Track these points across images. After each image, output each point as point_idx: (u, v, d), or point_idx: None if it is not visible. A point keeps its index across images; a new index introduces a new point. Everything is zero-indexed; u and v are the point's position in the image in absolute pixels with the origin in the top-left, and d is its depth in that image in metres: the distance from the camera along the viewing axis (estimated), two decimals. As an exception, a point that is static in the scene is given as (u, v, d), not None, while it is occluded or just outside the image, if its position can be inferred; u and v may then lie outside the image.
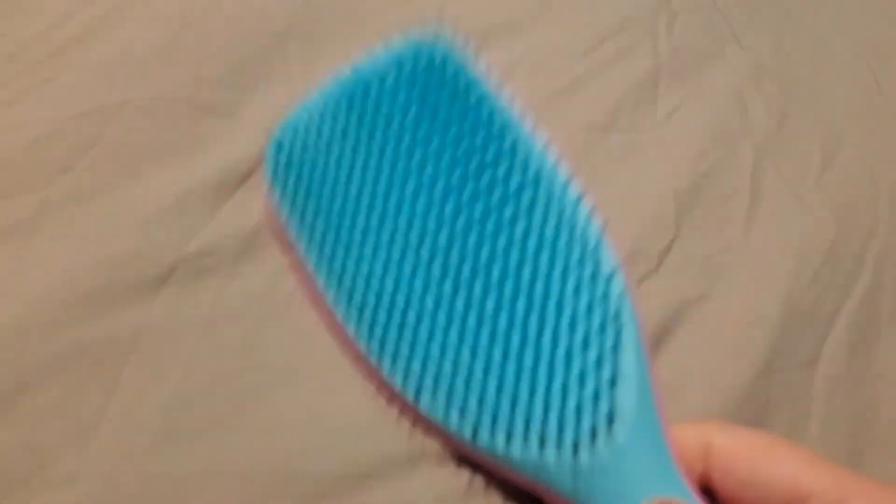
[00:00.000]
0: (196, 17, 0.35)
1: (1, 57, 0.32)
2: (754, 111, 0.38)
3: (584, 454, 0.21)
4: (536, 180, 0.25)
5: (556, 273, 0.24)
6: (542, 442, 0.22)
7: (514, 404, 0.22)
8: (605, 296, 0.23)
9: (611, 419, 0.22)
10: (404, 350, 0.24)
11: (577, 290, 0.23)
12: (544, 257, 0.24)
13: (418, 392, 0.24)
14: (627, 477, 0.21)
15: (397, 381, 0.24)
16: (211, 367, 0.27)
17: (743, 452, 0.21)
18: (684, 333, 0.30)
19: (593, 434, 0.22)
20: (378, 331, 0.24)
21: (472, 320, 0.23)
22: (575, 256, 0.24)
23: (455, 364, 0.23)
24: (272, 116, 0.32)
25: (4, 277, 0.27)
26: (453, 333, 0.23)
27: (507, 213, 0.24)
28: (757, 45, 0.41)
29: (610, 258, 0.24)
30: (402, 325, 0.24)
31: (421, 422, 0.24)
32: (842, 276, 0.32)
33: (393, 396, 0.25)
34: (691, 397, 0.29)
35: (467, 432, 0.23)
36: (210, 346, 0.27)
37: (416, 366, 0.24)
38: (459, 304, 0.24)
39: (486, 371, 0.23)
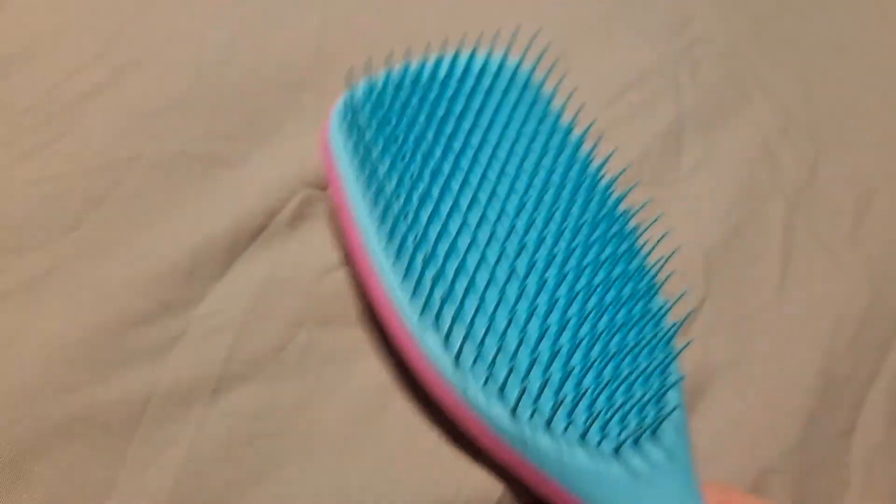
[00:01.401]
0: (210, 69, 0.35)
1: (15, 111, 0.32)
2: (783, 164, 0.37)
3: (624, 461, 0.22)
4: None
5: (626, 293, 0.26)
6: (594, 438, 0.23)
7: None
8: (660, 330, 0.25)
9: (653, 433, 0.23)
10: (473, 325, 0.24)
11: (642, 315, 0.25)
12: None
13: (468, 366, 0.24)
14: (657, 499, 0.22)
15: (442, 356, 0.24)
16: (221, 433, 0.26)
17: None
18: (716, 400, 0.29)
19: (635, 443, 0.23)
20: (436, 296, 0.24)
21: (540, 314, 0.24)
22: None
23: (519, 342, 0.24)
24: (286, 168, 0.31)
25: (14, 336, 0.26)
26: (521, 314, 0.24)
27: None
28: (784, 95, 0.40)
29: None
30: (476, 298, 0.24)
31: (455, 406, 0.24)
32: (878, 339, 0.31)
33: (431, 375, 0.24)
34: (725, 467, 0.28)
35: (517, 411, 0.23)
36: (220, 410, 0.26)
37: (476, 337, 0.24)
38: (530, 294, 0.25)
39: (542, 351, 0.24)
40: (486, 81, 0.30)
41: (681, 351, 0.25)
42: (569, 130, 0.29)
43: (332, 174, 0.29)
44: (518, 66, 0.31)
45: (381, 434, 0.26)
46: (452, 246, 0.25)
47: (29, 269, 0.28)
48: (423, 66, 0.29)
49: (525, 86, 0.30)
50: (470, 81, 0.30)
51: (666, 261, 0.27)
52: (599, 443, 0.23)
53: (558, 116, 0.30)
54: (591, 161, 0.29)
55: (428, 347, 0.24)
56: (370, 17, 0.40)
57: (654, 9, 0.45)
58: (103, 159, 0.31)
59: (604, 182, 0.29)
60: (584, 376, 0.23)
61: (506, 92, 0.30)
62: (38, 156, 0.31)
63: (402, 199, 0.26)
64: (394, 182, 0.26)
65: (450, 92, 0.29)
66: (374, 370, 0.28)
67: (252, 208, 0.30)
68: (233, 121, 0.34)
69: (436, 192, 0.27)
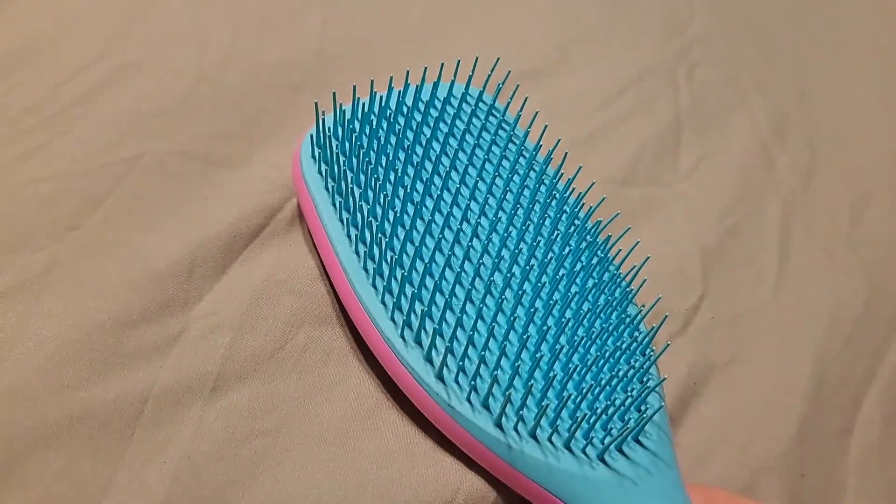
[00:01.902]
0: (211, 71, 0.35)
1: (16, 111, 0.32)
2: (780, 165, 0.37)
3: (609, 465, 0.23)
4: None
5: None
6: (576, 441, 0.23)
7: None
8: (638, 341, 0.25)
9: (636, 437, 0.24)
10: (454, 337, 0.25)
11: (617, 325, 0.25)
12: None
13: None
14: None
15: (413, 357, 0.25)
16: (220, 431, 0.26)
17: None
18: (712, 398, 0.29)
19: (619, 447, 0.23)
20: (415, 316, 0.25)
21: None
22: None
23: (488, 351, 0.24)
24: (286, 168, 0.31)
25: (12, 335, 0.26)
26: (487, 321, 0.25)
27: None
28: (780, 97, 0.40)
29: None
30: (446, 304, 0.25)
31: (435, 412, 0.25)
32: (875, 340, 0.31)
33: (414, 389, 0.25)
34: (719, 466, 0.28)
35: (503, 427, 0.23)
36: (219, 409, 0.26)
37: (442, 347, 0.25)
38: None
39: (521, 361, 0.24)
40: (451, 109, 0.31)
41: (659, 355, 0.25)
42: (535, 151, 0.30)
43: (305, 201, 0.29)
44: (481, 93, 0.31)
45: (378, 433, 0.26)
46: (429, 265, 0.26)
47: (28, 268, 0.28)
48: (389, 96, 0.30)
49: (489, 111, 0.31)
50: (435, 110, 0.30)
51: (638, 269, 0.27)
52: (584, 448, 0.23)
53: (523, 138, 0.30)
54: (558, 178, 0.29)
55: (410, 363, 0.25)
56: (370, 19, 0.40)
57: (653, 10, 0.45)
58: (103, 159, 0.31)
59: (573, 197, 0.29)
60: (566, 385, 0.24)
61: (471, 117, 0.31)
62: (39, 155, 0.31)
63: (375, 224, 0.26)
64: (366, 207, 0.27)
65: (416, 121, 0.30)
66: (372, 370, 0.28)
67: (251, 208, 0.31)
68: (233, 121, 0.34)
69: (408, 215, 0.27)
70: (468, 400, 0.24)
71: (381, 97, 0.29)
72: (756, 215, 0.35)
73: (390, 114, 0.29)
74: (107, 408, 0.26)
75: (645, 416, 0.23)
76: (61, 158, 0.31)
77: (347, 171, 0.28)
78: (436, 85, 0.31)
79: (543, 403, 0.23)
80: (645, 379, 0.25)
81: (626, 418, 0.24)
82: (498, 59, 0.32)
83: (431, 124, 0.30)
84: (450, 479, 0.25)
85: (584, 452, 0.23)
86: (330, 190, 0.28)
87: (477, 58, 0.31)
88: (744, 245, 0.33)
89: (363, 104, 0.29)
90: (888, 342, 0.31)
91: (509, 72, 0.32)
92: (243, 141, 0.33)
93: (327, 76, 0.37)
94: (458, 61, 0.31)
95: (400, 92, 0.29)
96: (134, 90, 0.34)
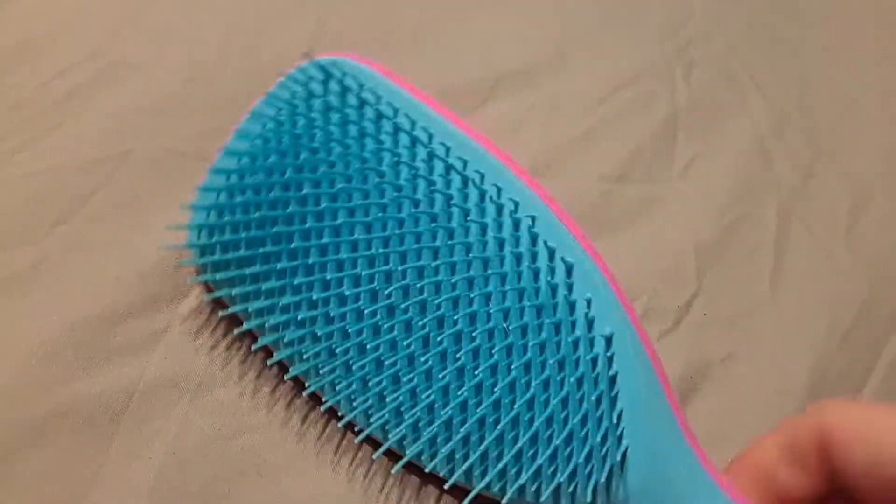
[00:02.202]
0: (204, 68, 0.35)
1: (6, 106, 0.32)
2: (779, 163, 0.36)
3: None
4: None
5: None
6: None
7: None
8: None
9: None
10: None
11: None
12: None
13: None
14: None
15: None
16: (206, 427, 0.26)
17: (861, 434, 0.18)
18: (706, 397, 0.29)
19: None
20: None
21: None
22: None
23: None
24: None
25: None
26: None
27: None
28: (779, 96, 0.40)
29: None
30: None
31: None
32: (872, 339, 0.31)
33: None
34: (717, 465, 0.27)
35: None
36: (205, 405, 0.26)
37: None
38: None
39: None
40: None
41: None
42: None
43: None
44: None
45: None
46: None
47: (15, 263, 0.28)
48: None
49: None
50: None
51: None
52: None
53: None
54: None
55: None
56: (365, 18, 0.40)
57: (651, 9, 0.44)
58: (93, 155, 0.31)
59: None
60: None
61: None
62: (27, 151, 0.30)
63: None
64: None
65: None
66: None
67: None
68: (225, 119, 0.33)
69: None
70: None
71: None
72: (754, 214, 0.34)
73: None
74: (92, 403, 0.26)
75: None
76: (50, 154, 0.31)
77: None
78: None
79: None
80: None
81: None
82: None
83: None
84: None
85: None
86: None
87: None
88: (741, 243, 0.33)
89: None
90: (886, 340, 0.31)
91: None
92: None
93: (321, 74, 0.37)
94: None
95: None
96: (126, 87, 0.33)
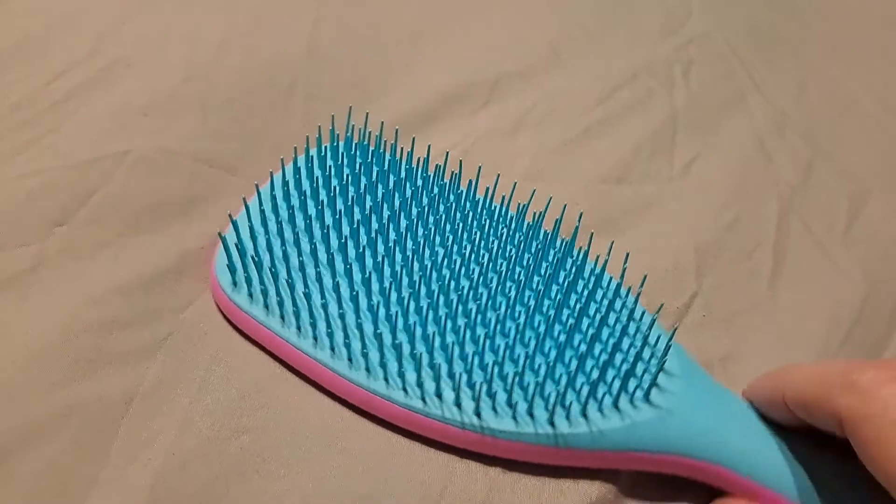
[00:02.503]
0: (201, 69, 0.35)
1: (5, 108, 0.32)
2: (778, 163, 0.36)
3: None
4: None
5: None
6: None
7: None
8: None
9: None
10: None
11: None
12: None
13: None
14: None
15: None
16: (205, 429, 0.26)
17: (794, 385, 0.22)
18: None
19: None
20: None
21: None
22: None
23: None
24: (275, 169, 0.31)
25: (-1, 332, 0.26)
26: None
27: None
28: (778, 95, 0.40)
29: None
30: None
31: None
32: (872, 338, 0.31)
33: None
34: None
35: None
36: (204, 407, 0.26)
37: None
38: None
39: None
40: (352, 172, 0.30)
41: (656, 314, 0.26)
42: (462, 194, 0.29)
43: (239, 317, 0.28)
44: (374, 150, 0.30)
45: (366, 432, 0.26)
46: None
47: (14, 265, 0.28)
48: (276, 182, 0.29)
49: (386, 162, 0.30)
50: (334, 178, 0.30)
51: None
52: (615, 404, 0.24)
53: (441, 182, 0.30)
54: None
55: (411, 404, 0.25)
56: (362, 19, 0.40)
57: (650, 8, 0.45)
58: (91, 155, 0.31)
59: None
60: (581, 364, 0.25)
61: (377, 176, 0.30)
62: (26, 151, 0.30)
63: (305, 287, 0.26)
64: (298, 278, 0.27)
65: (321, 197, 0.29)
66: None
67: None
68: (223, 120, 0.34)
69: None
70: (493, 409, 0.25)
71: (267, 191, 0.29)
72: (753, 213, 0.34)
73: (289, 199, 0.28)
74: (92, 406, 0.26)
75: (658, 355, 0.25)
76: (50, 155, 0.31)
77: (269, 269, 0.27)
78: (328, 148, 0.30)
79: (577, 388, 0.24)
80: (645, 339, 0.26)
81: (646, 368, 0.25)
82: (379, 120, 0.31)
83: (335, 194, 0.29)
84: (436, 479, 0.25)
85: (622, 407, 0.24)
86: (259, 294, 0.27)
87: (367, 113, 0.31)
88: (740, 241, 0.33)
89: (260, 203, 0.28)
90: (886, 339, 0.31)
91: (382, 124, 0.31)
92: (232, 140, 0.33)
93: (319, 75, 0.37)
94: (367, 114, 0.31)
95: (286, 170, 0.29)
96: (124, 87, 0.33)
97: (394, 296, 0.27)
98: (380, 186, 0.29)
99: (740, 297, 0.31)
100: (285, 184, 0.28)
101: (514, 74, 0.39)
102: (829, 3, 0.47)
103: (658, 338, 0.26)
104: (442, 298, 0.27)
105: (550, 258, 0.28)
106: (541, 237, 0.28)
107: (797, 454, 0.23)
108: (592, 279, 0.27)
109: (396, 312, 0.26)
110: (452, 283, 0.27)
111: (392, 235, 0.28)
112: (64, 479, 0.24)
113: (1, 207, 0.29)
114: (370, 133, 0.30)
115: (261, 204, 0.28)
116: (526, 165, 0.35)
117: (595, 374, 0.25)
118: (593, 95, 0.38)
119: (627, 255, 0.27)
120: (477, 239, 0.28)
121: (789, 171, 0.36)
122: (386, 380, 0.25)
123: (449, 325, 0.26)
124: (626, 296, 0.27)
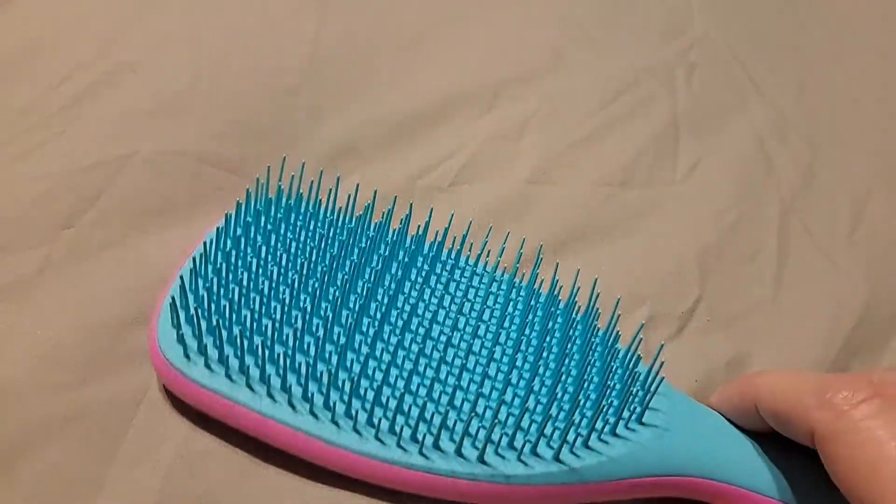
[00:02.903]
0: (206, 72, 0.35)
1: (12, 111, 0.32)
2: (779, 166, 0.37)
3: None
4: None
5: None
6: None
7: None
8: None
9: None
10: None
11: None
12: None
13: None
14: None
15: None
16: (213, 431, 0.26)
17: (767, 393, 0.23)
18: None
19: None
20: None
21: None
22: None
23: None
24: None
25: (7, 334, 0.26)
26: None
27: None
28: (779, 98, 0.40)
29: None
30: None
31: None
32: (874, 340, 0.31)
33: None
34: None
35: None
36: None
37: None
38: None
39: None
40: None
41: (657, 357, 0.25)
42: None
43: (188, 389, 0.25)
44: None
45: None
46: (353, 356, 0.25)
47: (22, 267, 0.28)
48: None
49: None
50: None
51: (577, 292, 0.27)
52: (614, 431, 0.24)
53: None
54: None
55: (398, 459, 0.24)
56: (365, 23, 0.40)
57: (651, 12, 0.45)
58: (98, 158, 0.31)
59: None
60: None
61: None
62: (34, 155, 0.31)
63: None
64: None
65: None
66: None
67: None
68: (228, 123, 0.34)
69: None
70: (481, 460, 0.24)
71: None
72: (755, 216, 0.34)
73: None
74: (100, 408, 0.26)
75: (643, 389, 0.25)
76: (57, 158, 0.31)
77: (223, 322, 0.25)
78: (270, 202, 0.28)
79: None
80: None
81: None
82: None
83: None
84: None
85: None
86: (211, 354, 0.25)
87: (284, 157, 0.30)
88: (742, 245, 0.33)
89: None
90: (887, 341, 0.31)
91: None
92: (237, 142, 0.33)
93: (322, 79, 0.37)
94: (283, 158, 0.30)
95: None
96: (130, 90, 0.34)
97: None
98: (308, 241, 0.28)
99: (743, 300, 0.31)
100: (213, 253, 0.26)
101: (517, 78, 0.39)
102: (829, 5, 0.47)
103: (636, 360, 0.25)
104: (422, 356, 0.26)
105: (515, 301, 0.28)
106: (502, 282, 0.28)
107: (784, 459, 0.24)
108: (558, 312, 0.27)
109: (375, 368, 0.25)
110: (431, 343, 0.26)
111: (332, 290, 0.27)
112: (72, 480, 0.24)
113: (9, 210, 0.29)
114: (293, 176, 0.28)
115: (195, 269, 0.26)
116: (529, 169, 0.35)
117: (587, 414, 0.25)
118: (596, 99, 0.38)
119: (596, 280, 0.27)
120: (426, 294, 0.27)
121: (790, 174, 0.37)
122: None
123: (445, 379, 0.26)
124: (603, 333, 0.27)
